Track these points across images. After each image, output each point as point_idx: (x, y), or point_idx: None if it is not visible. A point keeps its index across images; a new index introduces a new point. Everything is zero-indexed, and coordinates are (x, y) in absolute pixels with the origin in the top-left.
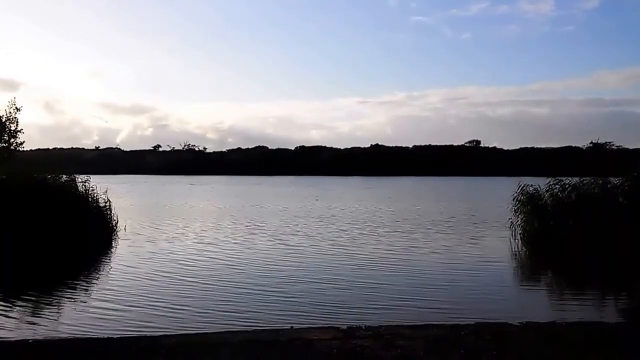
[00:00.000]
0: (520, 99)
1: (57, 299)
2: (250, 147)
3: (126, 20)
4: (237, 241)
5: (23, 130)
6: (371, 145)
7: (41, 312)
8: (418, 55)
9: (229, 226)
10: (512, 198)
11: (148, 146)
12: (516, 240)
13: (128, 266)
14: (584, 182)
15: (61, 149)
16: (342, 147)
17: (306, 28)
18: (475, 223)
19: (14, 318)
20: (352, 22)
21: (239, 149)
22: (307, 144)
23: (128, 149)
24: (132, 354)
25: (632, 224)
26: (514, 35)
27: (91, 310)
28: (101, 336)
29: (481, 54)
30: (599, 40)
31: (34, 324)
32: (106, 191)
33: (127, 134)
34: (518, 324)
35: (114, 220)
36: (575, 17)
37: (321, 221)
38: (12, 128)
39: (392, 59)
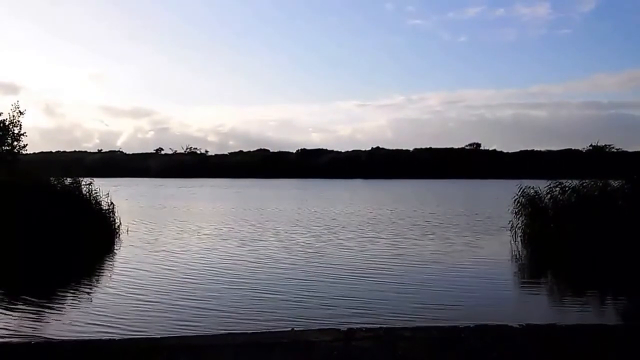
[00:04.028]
0: (520, 101)
1: (59, 301)
2: (251, 150)
3: (126, 23)
4: (237, 243)
5: (26, 134)
6: (372, 148)
7: (43, 314)
8: (416, 58)
9: (229, 228)
10: (513, 200)
11: (149, 149)
12: (517, 243)
13: (129, 268)
14: (584, 184)
15: (64, 152)
16: (342, 150)
17: (306, 32)
18: (475, 225)
19: (17, 319)
20: (351, 26)
21: (241, 151)
22: (307, 147)
23: (130, 152)
24: (133, 356)
25: (632, 227)
26: (512, 39)
27: (93, 311)
28: (102, 337)
29: (479, 57)
30: (597, 43)
31: (36, 325)
32: (108, 194)
33: (128, 137)
34: (518, 326)
35: (117, 222)
36: (572, 20)
37: (321, 223)
38: (16, 131)
39: (390, 62)
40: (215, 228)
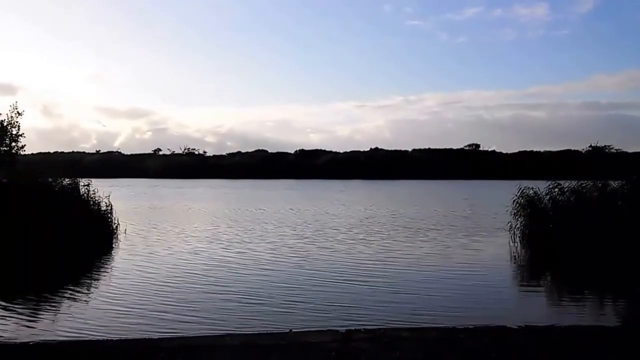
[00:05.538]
0: (518, 102)
1: (58, 301)
2: (249, 150)
3: (124, 24)
4: (235, 245)
5: (24, 134)
6: (370, 148)
7: (42, 314)
8: (414, 59)
9: (228, 230)
10: (512, 201)
11: (147, 150)
12: (515, 244)
13: (128, 269)
14: (583, 185)
15: (62, 152)
16: (341, 151)
17: (304, 32)
18: (473, 226)
19: (16, 320)
20: (349, 27)
21: (239, 152)
22: (306, 148)
23: (128, 153)
24: (132, 357)
25: (631, 228)
26: (510, 39)
27: (92, 312)
28: (101, 338)
29: (477, 57)
30: (596, 44)
31: (35, 326)
32: (109, 195)
33: (126, 137)
34: (517, 326)
35: (115, 223)
36: (570, 21)
37: (319, 224)
38: (14, 132)
39: (388, 63)
40: (212, 230)
